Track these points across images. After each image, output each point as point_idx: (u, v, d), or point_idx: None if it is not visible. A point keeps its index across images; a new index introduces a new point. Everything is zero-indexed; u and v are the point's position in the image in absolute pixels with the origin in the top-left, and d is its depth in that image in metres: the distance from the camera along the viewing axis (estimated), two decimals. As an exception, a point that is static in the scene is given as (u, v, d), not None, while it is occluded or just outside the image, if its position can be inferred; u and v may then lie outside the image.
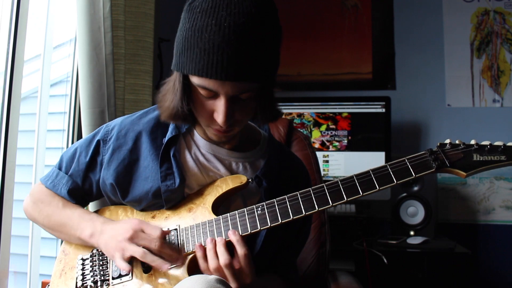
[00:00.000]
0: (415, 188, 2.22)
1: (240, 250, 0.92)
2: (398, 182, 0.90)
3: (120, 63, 1.71)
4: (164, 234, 0.99)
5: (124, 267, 0.97)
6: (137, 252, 0.96)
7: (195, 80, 0.90)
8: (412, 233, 2.16)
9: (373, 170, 0.92)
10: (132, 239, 0.97)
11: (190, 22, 0.88)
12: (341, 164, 2.28)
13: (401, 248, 2.03)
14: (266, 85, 0.93)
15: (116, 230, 1.01)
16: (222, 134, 0.98)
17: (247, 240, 0.99)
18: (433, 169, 0.90)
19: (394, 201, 2.22)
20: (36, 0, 1.68)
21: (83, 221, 1.07)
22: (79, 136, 1.82)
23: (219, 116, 0.91)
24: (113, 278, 1.02)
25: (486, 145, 0.90)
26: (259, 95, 0.93)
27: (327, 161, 2.30)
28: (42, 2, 1.77)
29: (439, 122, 2.51)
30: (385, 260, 1.93)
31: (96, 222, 1.06)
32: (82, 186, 1.12)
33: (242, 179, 1.02)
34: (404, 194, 2.21)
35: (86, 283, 1.03)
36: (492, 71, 2.49)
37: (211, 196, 1.02)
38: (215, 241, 0.94)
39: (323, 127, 2.32)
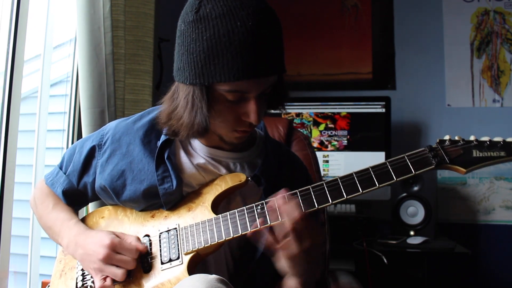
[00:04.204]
0: (415, 188, 2.22)
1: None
2: (398, 179, 0.90)
3: (120, 63, 1.71)
4: (139, 253, 0.99)
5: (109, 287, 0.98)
6: (117, 275, 0.96)
7: (224, 87, 0.89)
8: (412, 233, 2.16)
9: (372, 167, 0.91)
10: (108, 260, 0.97)
11: (210, 31, 0.86)
12: (341, 164, 2.28)
13: (401, 248, 2.03)
14: (282, 73, 0.97)
15: (88, 248, 1.00)
16: (247, 134, 0.99)
17: (248, 241, 0.99)
18: (433, 166, 0.89)
19: (394, 201, 2.22)
20: (36, 0, 1.68)
21: (63, 228, 1.07)
22: (79, 136, 1.82)
23: (252, 115, 0.91)
24: (113, 278, 1.02)
25: (485, 141, 0.90)
26: (275, 85, 0.95)
27: (327, 161, 2.30)
28: (42, 2, 1.77)
29: (439, 122, 2.51)
30: (385, 260, 1.93)
31: (71, 232, 1.05)
32: (77, 187, 1.13)
33: (241, 177, 1.02)
34: (404, 194, 2.21)
35: (86, 283, 1.03)
36: (492, 71, 2.49)
37: (210, 195, 1.02)
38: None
39: (322, 126, 2.32)
